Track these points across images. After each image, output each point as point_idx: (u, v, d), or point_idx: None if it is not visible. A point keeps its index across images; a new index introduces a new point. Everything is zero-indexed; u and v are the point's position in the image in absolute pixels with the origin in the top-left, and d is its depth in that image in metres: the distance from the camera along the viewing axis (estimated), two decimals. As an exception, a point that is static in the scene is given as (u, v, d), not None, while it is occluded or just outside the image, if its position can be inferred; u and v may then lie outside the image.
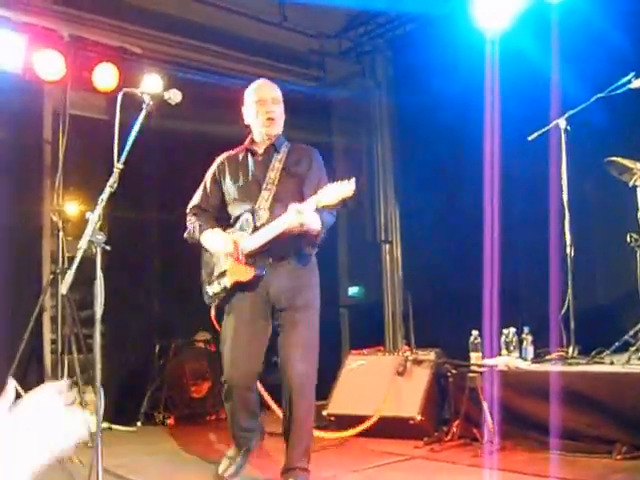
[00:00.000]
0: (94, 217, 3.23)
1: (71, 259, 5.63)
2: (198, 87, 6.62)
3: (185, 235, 4.15)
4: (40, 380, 6.11)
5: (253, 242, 3.82)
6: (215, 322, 4.13)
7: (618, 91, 5.03)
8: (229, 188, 4.05)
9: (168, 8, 7.00)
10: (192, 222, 4.12)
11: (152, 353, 6.90)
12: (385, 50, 8.16)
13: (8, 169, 5.98)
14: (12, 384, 1.39)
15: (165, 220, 7.10)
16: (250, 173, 4.00)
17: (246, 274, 3.83)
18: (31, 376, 6.08)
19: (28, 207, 6.29)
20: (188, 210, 4.19)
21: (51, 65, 5.95)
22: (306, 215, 3.58)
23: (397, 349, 6.30)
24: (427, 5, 6.81)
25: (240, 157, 4.09)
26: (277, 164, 3.94)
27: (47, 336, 6.29)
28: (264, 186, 3.90)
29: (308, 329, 3.89)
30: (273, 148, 4.00)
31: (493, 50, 6.22)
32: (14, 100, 6.00)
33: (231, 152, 4.15)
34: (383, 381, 5.57)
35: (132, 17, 6.74)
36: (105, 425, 5.70)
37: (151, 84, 6.20)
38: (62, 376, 5.81)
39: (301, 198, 3.75)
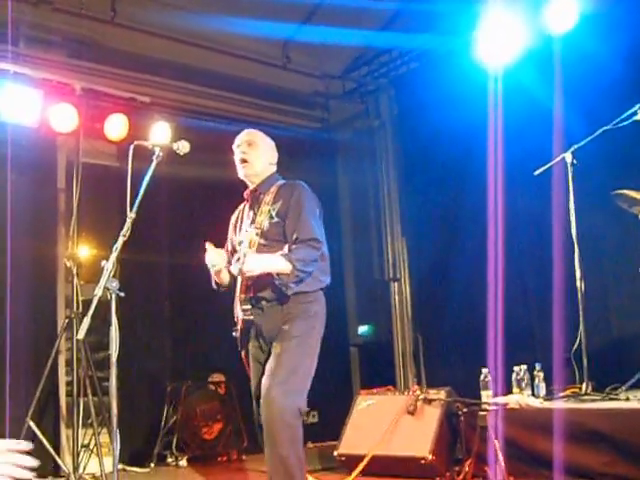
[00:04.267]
0: (109, 265, 3.35)
1: (85, 303, 5.80)
2: (205, 132, 6.81)
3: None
4: (56, 422, 6.30)
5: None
6: (246, 364, 4.04)
7: (624, 123, 4.96)
8: (233, 239, 4.13)
9: (174, 56, 7.27)
10: None
11: (164, 395, 6.96)
12: (388, 89, 8.28)
13: (24, 217, 6.23)
14: None
15: (176, 263, 7.22)
16: (244, 221, 4.07)
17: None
18: (48, 418, 6.23)
19: (43, 253, 6.52)
20: None
21: (65, 118, 6.22)
22: (243, 261, 3.58)
23: (407, 388, 6.19)
24: (429, 43, 6.85)
25: (243, 206, 4.19)
26: (265, 207, 3.93)
27: (62, 379, 6.45)
28: (251, 232, 3.90)
29: (288, 355, 3.72)
30: (257, 191, 4.04)
31: (496, 85, 6.24)
32: (30, 152, 6.31)
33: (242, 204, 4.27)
34: (394, 421, 5.43)
35: (140, 67, 7.05)
36: (119, 467, 5.69)
37: (160, 133, 6.49)
38: (78, 418, 5.91)
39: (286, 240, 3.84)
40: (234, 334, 3.94)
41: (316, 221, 3.87)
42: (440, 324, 7.26)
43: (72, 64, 6.64)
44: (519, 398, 5.07)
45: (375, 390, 5.99)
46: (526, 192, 6.18)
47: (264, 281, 3.73)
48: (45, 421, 6.11)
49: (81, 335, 3.28)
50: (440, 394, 5.53)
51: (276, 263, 3.66)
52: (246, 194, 4.11)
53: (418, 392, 5.61)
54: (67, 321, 5.98)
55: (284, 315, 3.77)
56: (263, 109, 7.32)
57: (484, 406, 5.12)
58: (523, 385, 5.26)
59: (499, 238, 6.12)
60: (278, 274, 3.66)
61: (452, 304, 7.02)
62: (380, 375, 7.71)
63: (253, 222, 3.93)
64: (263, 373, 3.75)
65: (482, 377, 5.36)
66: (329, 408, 7.47)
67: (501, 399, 5.15)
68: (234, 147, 4.07)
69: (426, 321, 7.72)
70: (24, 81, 6.02)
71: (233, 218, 4.21)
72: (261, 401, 3.66)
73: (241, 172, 4.02)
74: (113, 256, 3.38)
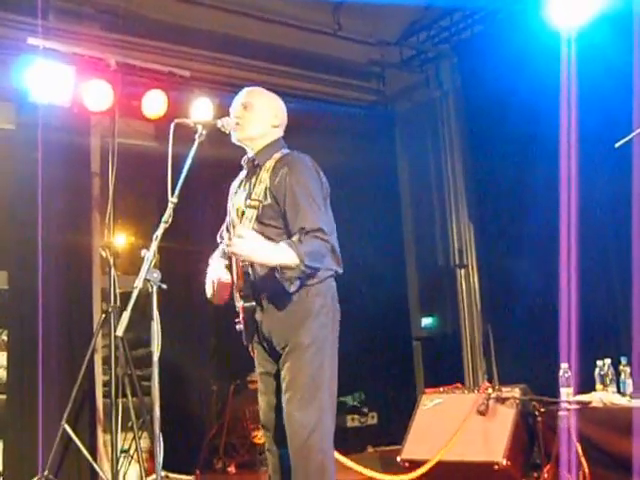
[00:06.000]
0: (149, 255, 3.29)
1: (122, 296, 5.81)
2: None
3: None
4: (93, 426, 6.33)
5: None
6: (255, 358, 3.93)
7: None
8: (230, 212, 3.92)
9: (214, 26, 7.30)
10: None
11: (209, 396, 6.99)
12: (450, 56, 8.28)
13: (56, 203, 6.28)
14: None
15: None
16: (240, 193, 3.83)
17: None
18: (84, 421, 6.24)
19: (77, 243, 6.54)
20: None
21: (99, 95, 6.24)
22: (240, 242, 3.32)
23: (477, 386, 6.14)
24: (495, 3, 6.76)
25: (244, 174, 3.92)
26: (264, 179, 3.66)
27: (99, 379, 6.51)
28: (247, 206, 3.69)
29: (307, 370, 3.51)
30: (255, 160, 3.76)
31: (569, 49, 6.10)
32: (61, 133, 6.32)
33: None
34: (463, 422, 5.38)
35: (178, 38, 7.09)
36: (162, 474, 5.70)
37: (201, 109, 6.50)
38: (116, 421, 5.87)
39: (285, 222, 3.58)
40: (237, 327, 3.78)
41: (319, 207, 3.55)
42: (512, 314, 7.15)
43: (106, 37, 6.70)
44: (603, 396, 5.05)
45: (441, 388, 6.00)
46: (604, 167, 6.06)
47: (264, 271, 3.52)
48: (81, 425, 6.13)
49: (120, 331, 3.24)
50: (514, 392, 5.50)
51: (280, 254, 3.37)
52: (244, 161, 3.83)
53: (489, 390, 5.59)
54: (104, 316, 5.95)
55: (286, 315, 3.55)
56: (312, 81, 7.31)
57: (564, 405, 5.03)
58: (607, 381, 5.25)
59: (574, 218, 5.99)
60: (281, 267, 3.39)
61: (525, 292, 6.91)
62: (446, 372, 7.70)
63: (249, 197, 3.67)
64: (275, 398, 3.70)
65: (561, 373, 5.25)
66: (390, 409, 7.46)
67: (583, 397, 5.09)
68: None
69: (497, 311, 7.64)
70: (55, 57, 6.04)
71: (233, 187, 3.93)
72: (292, 444, 3.48)
73: (233, 136, 3.74)
74: (154, 245, 3.31)
